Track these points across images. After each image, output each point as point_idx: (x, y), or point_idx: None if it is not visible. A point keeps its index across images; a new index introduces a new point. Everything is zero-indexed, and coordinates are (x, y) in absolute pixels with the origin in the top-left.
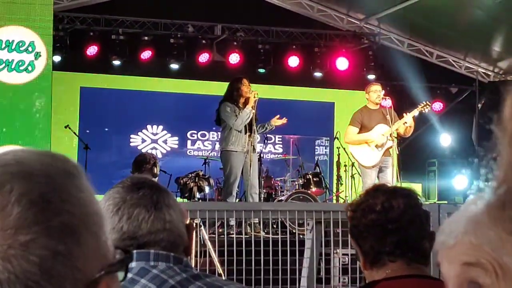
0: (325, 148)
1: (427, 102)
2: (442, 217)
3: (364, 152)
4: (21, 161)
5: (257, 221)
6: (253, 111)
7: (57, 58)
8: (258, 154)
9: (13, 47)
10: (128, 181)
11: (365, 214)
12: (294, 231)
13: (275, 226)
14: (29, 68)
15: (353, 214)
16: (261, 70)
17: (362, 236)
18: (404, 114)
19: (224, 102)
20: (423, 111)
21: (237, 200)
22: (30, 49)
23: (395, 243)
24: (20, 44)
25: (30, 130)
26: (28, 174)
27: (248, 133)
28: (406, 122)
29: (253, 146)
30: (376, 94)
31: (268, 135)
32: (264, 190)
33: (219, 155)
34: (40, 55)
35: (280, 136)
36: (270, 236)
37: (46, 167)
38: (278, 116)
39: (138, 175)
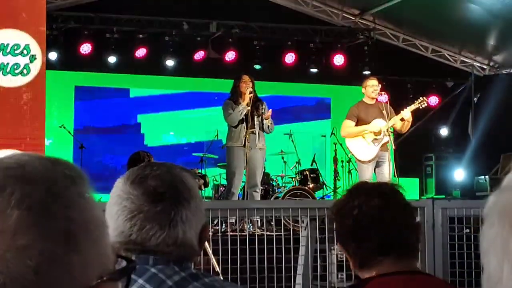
0: (322, 144)
1: (424, 98)
2: (436, 212)
3: (361, 146)
4: (23, 165)
5: (256, 220)
6: (248, 108)
7: (51, 57)
8: (260, 151)
9: (7, 51)
10: (151, 186)
11: (344, 219)
12: (289, 228)
13: (272, 223)
14: (24, 71)
15: (335, 219)
16: (257, 67)
17: (346, 240)
18: (402, 111)
19: (226, 99)
20: (420, 107)
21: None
22: (25, 52)
23: (377, 244)
24: (15, 47)
25: (22, 131)
26: (30, 178)
27: (245, 129)
28: (403, 118)
29: (255, 142)
30: (372, 89)
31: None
32: (261, 187)
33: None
34: (35, 58)
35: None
36: (265, 233)
37: (47, 172)
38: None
39: (160, 171)
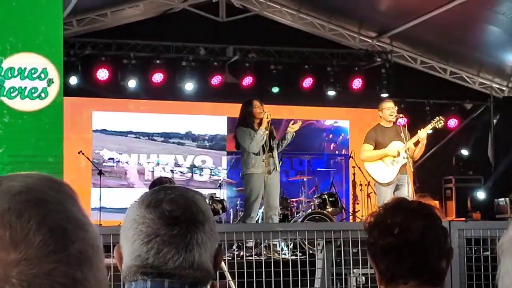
0: (341, 168)
1: (440, 117)
2: (453, 234)
3: (380, 169)
4: (32, 188)
5: (272, 243)
6: (267, 132)
7: (69, 84)
8: (277, 173)
9: (25, 75)
10: (166, 209)
11: (382, 236)
12: (310, 251)
13: (289, 246)
14: (42, 95)
15: (371, 232)
16: (275, 89)
17: (378, 256)
18: (418, 131)
19: (239, 126)
20: (437, 127)
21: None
22: (42, 76)
23: (410, 267)
24: (33, 71)
25: (43, 158)
26: (43, 202)
27: (265, 154)
28: (418, 142)
29: (275, 165)
30: (389, 111)
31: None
32: (280, 211)
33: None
34: (52, 82)
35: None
36: (280, 257)
37: (56, 194)
38: (292, 121)
39: (175, 194)
